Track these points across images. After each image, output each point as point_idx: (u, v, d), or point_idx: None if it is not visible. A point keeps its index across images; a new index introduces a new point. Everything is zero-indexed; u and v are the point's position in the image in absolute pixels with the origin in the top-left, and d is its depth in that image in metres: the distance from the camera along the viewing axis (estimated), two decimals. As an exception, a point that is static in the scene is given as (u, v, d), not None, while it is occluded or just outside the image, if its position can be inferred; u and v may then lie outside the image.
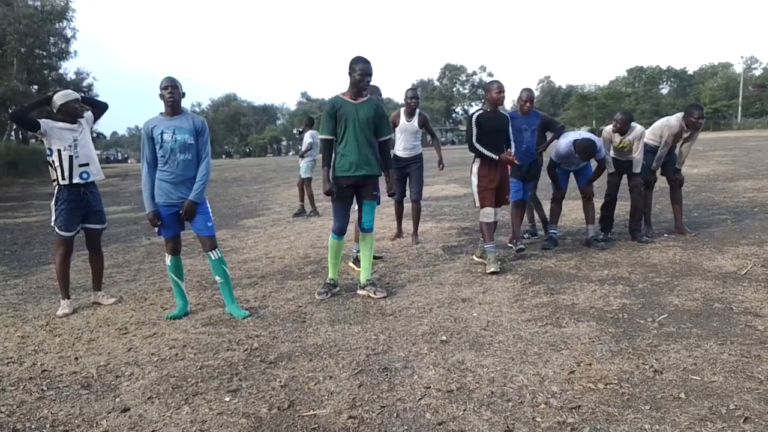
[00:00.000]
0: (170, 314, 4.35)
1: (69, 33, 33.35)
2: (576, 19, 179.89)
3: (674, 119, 6.16)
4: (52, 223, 4.67)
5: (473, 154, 5.44)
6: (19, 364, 3.58)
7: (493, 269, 5.15)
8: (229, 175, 25.61)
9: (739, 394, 2.67)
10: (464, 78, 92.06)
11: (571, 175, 6.38)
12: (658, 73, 79.53)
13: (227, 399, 2.92)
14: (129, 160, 76.37)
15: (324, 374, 3.17)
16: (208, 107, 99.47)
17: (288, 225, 9.20)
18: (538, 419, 2.55)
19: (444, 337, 3.62)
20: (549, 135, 6.59)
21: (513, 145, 5.54)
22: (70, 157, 4.55)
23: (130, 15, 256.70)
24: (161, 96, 4.15)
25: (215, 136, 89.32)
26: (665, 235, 6.47)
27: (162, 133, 4.11)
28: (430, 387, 2.93)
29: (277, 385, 3.05)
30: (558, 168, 6.21)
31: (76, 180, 4.58)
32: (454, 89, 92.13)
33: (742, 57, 79.95)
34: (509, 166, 5.66)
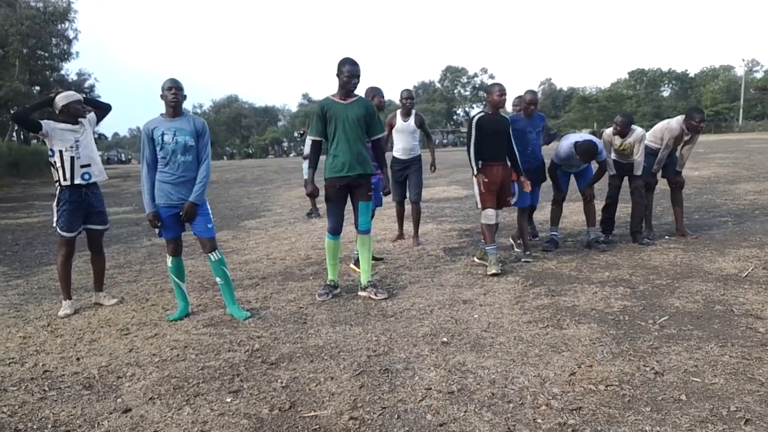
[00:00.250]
0: (171, 316, 4.36)
1: (71, 34, 33.44)
2: (577, 21, 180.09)
3: (675, 122, 6.17)
4: (54, 224, 4.68)
5: (473, 157, 5.45)
6: (21, 365, 3.58)
7: (494, 271, 5.15)
8: (230, 176, 25.63)
9: (740, 396, 2.67)
10: (465, 80, 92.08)
11: (572, 177, 6.38)
12: (660, 75, 79.47)
13: (228, 400, 2.93)
14: (132, 161, 76.42)
15: (325, 375, 3.17)
16: (210, 108, 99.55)
17: (289, 226, 9.21)
18: (539, 421, 2.56)
19: (445, 339, 3.63)
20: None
21: (515, 149, 5.53)
22: (72, 158, 4.56)
23: (131, 16, 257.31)
24: (163, 97, 4.16)
25: (216, 138, 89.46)
26: (666, 237, 6.47)
27: (163, 135, 4.11)
28: (431, 388, 2.93)
29: (279, 386, 3.05)
30: (559, 170, 6.21)
31: (77, 181, 4.59)
32: (456, 91, 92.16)
33: (743, 60, 79.91)
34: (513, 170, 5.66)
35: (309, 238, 7.75)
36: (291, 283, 5.35)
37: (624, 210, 7.22)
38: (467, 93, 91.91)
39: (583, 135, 6.22)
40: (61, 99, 4.60)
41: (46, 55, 33.71)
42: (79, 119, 4.67)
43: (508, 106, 7.05)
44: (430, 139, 7.31)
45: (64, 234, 4.63)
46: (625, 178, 6.30)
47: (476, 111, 5.69)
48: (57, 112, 4.63)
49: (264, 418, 2.73)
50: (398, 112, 6.80)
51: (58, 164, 4.55)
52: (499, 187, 5.41)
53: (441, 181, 15.30)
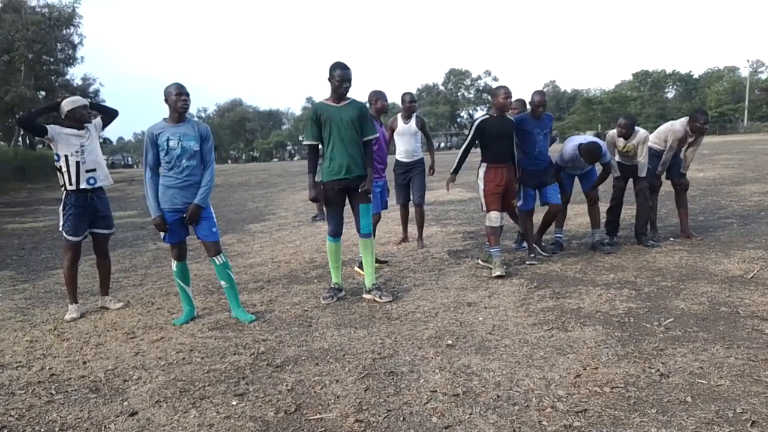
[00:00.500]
0: (177, 321, 4.37)
1: (76, 39, 33.56)
2: (581, 23, 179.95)
3: (679, 124, 6.17)
4: (60, 228, 4.71)
5: (479, 159, 5.47)
6: (28, 368, 3.60)
7: (498, 273, 5.15)
8: (235, 179, 25.68)
9: (746, 398, 2.67)
10: (469, 82, 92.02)
11: (576, 179, 6.38)
12: (664, 77, 79.28)
13: (234, 403, 2.94)
14: (135, 165, 76.81)
15: (330, 378, 3.18)
16: (214, 113, 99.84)
17: (294, 229, 9.23)
18: (545, 423, 2.56)
19: (450, 341, 3.63)
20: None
21: (523, 150, 5.53)
22: (77, 163, 4.59)
23: (136, 21, 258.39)
24: (172, 102, 4.13)
25: (221, 142, 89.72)
26: (671, 239, 6.46)
27: (168, 140, 4.13)
28: (436, 391, 2.93)
29: (284, 389, 3.06)
30: (563, 172, 6.21)
31: (83, 185, 4.62)
32: (459, 94, 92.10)
33: (748, 61, 79.67)
34: (519, 173, 5.65)
35: (314, 242, 7.77)
36: (296, 286, 5.37)
37: (629, 212, 7.20)
38: (471, 95, 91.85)
39: (587, 137, 6.21)
40: (67, 104, 4.63)
41: (52, 60, 33.86)
42: (85, 124, 4.70)
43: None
44: (430, 141, 7.32)
45: (70, 238, 4.66)
46: (630, 180, 6.30)
47: (480, 114, 5.69)
48: (63, 116, 4.66)
49: (269, 420, 2.74)
50: (399, 115, 6.81)
51: (64, 169, 4.58)
52: (503, 190, 5.41)
53: (444, 184, 15.28)
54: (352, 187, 4.67)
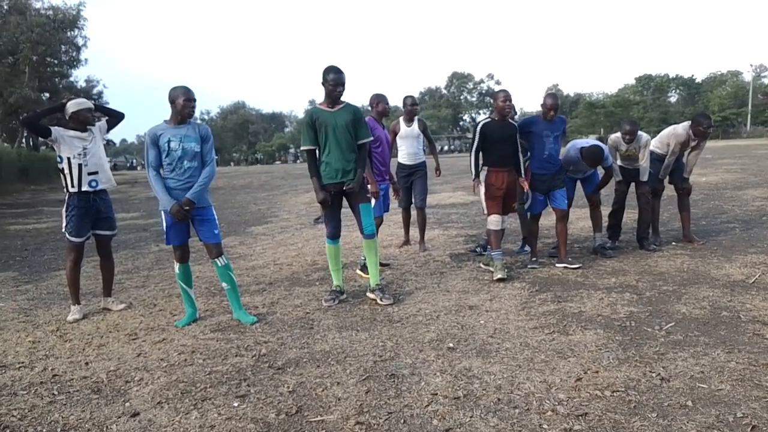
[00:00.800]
0: (179, 323, 4.39)
1: (80, 41, 33.67)
2: (584, 27, 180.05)
3: (681, 128, 6.17)
4: (63, 229, 4.73)
5: (481, 163, 5.47)
6: (31, 369, 3.62)
7: (500, 276, 5.16)
8: (238, 182, 25.72)
9: (746, 403, 2.67)
10: (471, 86, 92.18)
11: (578, 183, 6.38)
12: (667, 81, 79.29)
13: (236, 404, 2.95)
14: (139, 167, 77.08)
15: (331, 380, 3.18)
16: (217, 115, 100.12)
17: (296, 232, 9.25)
18: (545, 426, 2.56)
19: (451, 344, 3.64)
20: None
21: (521, 156, 5.53)
22: (80, 165, 4.61)
23: (140, 23, 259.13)
24: (179, 106, 4.14)
25: (224, 144, 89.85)
26: (673, 243, 6.46)
27: (169, 141, 4.14)
28: (437, 393, 2.94)
29: (285, 391, 3.07)
30: (565, 175, 6.20)
31: (84, 188, 4.64)
32: (462, 97, 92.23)
33: (751, 65, 79.81)
34: (528, 177, 5.64)
35: (316, 244, 7.78)
36: (298, 288, 5.38)
37: (631, 216, 7.21)
38: (473, 99, 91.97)
39: (589, 140, 6.22)
40: (72, 106, 4.66)
41: (56, 62, 33.98)
42: (89, 127, 4.72)
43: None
44: (433, 144, 7.35)
45: (73, 239, 4.68)
46: (632, 184, 6.30)
47: (482, 117, 5.69)
48: (67, 118, 4.69)
49: (271, 422, 2.75)
50: (401, 118, 6.84)
51: (66, 171, 4.60)
52: (504, 193, 5.41)
53: (447, 187, 15.31)
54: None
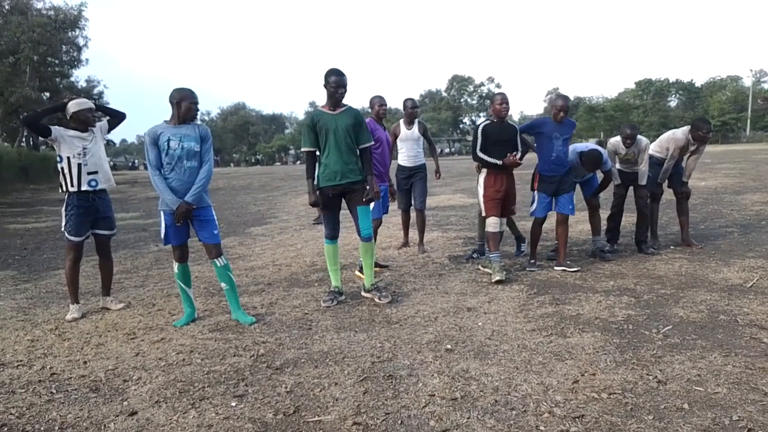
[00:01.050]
0: (177, 322, 4.39)
1: (81, 41, 33.69)
2: (585, 31, 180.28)
3: (680, 132, 6.19)
4: (63, 228, 4.74)
5: (480, 165, 5.48)
6: (29, 367, 3.62)
7: (498, 278, 5.17)
8: (237, 183, 25.73)
9: (742, 406, 2.68)
10: (472, 89, 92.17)
11: (577, 186, 6.39)
12: (667, 85, 79.34)
13: (234, 404, 2.95)
14: (141, 167, 77.11)
15: (329, 381, 3.19)
16: (217, 116, 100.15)
17: (295, 233, 9.25)
18: (542, 428, 2.57)
19: (449, 346, 3.64)
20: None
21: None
22: (79, 165, 4.62)
23: (141, 23, 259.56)
24: (185, 107, 4.17)
25: (224, 145, 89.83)
26: (671, 247, 6.47)
27: (168, 141, 4.15)
28: (434, 395, 2.95)
29: (283, 391, 3.08)
30: (572, 179, 6.19)
31: (84, 187, 4.65)
32: (462, 100, 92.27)
33: (751, 70, 79.52)
34: (536, 181, 5.65)
35: (315, 245, 7.79)
36: (296, 289, 5.38)
37: (629, 219, 7.22)
38: (474, 102, 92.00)
39: (588, 144, 6.23)
40: (73, 106, 4.67)
41: (56, 62, 34.01)
42: (89, 127, 4.73)
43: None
44: (433, 147, 7.37)
45: (72, 238, 4.69)
46: (630, 188, 6.31)
47: (482, 119, 5.70)
48: (68, 118, 4.70)
49: (268, 422, 2.75)
50: (401, 121, 6.86)
51: (66, 170, 4.61)
52: (503, 196, 5.43)
53: (446, 189, 15.33)
54: (347, 191, 4.70)
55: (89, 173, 4.68)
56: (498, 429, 2.58)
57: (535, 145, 5.78)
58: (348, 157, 4.63)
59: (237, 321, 4.37)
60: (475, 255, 6.42)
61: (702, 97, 75.29)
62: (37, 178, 27.37)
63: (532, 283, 5.18)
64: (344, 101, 4.69)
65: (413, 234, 7.19)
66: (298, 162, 79.12)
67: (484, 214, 5.50)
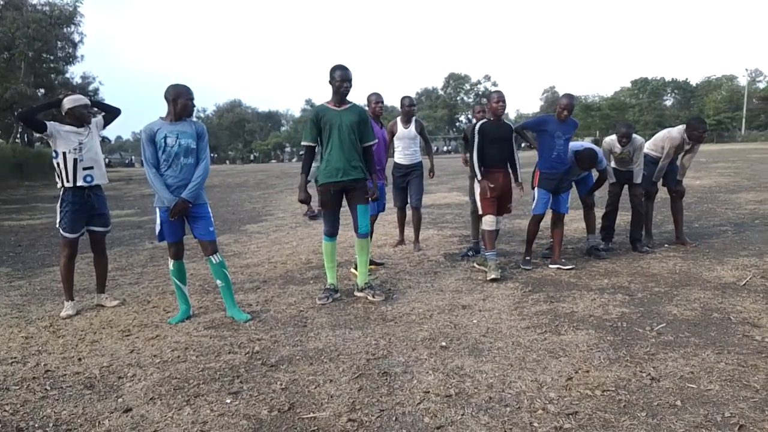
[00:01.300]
0: (172, 319, 4.39)
1: (76, 37, 33.57)
2: (581, 30, 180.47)
3: (675, 131, 6.21)
4: (57, 225, 4.72)
5: (476, 163, 5.49)
6: (23, 364, 3.62)
7: (493, 276, 5.18)
8: (233, 180, 25.68)
9: (734, 403, 2.70)
10: (468, 87, 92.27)
11: (572, 185, 6.40)
12: (662, 84, 79.54)
13: (228, 401, 2.96)
14: (136, 165, 76.85)
15: (324, 378, 3.20)
16: (213, 113, 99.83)
17: (290, 230, 9.25)
18: (536, 424, 2.58)
19: (444, 343, 3.65)
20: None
21: (538, 153, 5.54)
22: (75, 160, 4.61)
23: (135, 19, 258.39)
24: (181, 104, 4.17)
25: (219, 142, 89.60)
26: (666, 245, 6.50)
27: (165, 138, 4.15)
28: (429, 392, 2.96)
29: (278, 388, 3.08)
30: (571, 178, 6.20)
31: (79, 183, 4.64)
32: (458, 98, 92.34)
33: (746, 69, 79.79)
34: (537, 176, 5.65)
35: (310, 243, 7.79)
36: (291, 286, 5.39)
37: (624, 218, 7.25)
38: (470, 100, 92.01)
39: (583, 143, 6.25)
40: (69, 102, 4.66)
41: (52, 58, 33.87)
42: (85, 123, 4.71)
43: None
44: (429, 145, 7.37)
45: (67, 235, 4.67)
46: (625, 187, 6.34)
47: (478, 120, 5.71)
48: (63, 114, 4.68)
49: (263, 419, 2.76)
50: (398, 119, 6.87)
51: (62, 166, 4.59)
52: (499, 194, 5.44)
53: (442, 188, 15.35)
54: (349, 189, 4.70)
55: (85, 168, 4.66)
56: (492, 426, 2.59)
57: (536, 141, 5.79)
58: (351, 154, 4.63)
59: (232, 318, 4.37)
60: (470, 253, 6.44)
61: (697, 96, 75.57)
62: (31, 174, 27.25)
63: (527, 281, 5.20)
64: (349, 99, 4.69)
65: (409, 232, 7.20)
66: (294, 159, 79.03)
67: (480, 212, 5.51)
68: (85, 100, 4.79)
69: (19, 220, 12.34)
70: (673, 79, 79.20)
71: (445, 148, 75.42)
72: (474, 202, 5.90)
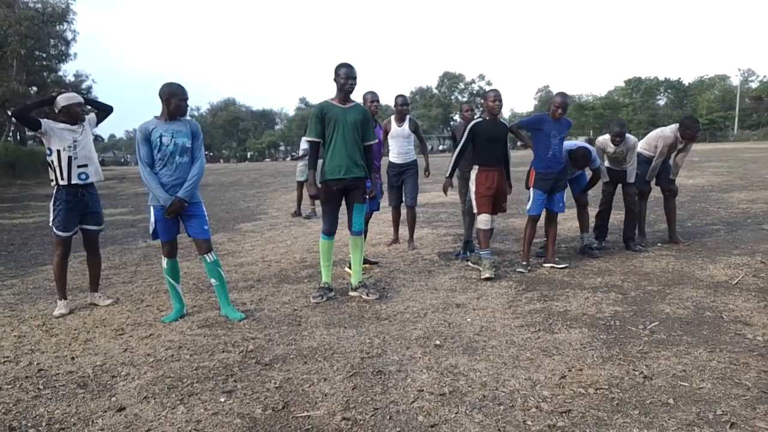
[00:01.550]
0: (166, 318, 4.38)
1: (69, 35, 33.46)
2: (575, 29, 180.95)
3: (669, 130, 6.24)
4: (51, 223, 4.70)
5: (473, 162, 5.50)
6: (16, 363, 3.60)
7: (487, 275, 5.19)
8: (227, 179, 25.61)
9: (726, 401, 2.72)
10: (463, 86, 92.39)
11: (567, 184, 6.41)
12: (656, 84, 79.89)
13: (222, 399, 2.95)
14: (130, 164, 76.52)
15: (318, 376, 3.20)
16: (207, 111, 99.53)
17: (285, 229, 9.24)
18: (529, 423, 2.59)
19: (438, 342, 3.66)
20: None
21: (535, 152, 5.57)
22: (69, 158, 4.59)
23: (129, 17, 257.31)
24: (175, 103, 4.15)
25: (213, 141, 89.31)
26: (659, 244, 6.53)
27: (161, 136, 4.14)
28: (423, 390, 2.96)
29: (272, 387, 3.08)
30: (567, 177, 6.20)
31: (74, 180, 4.62)
32: (453, 97, 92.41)
33: (739, 69, 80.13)
34: (533, 176, 5.65)
35: (304, 242, 7.78)
36: (286, 285, 5.38)
37: (617, 217, 7.28)
38: (464, 99, 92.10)
39: (577, 142, 6.27)
40: (63, 99, 4.63)
41: (44, 56, 33.73)
42: (79, 121, 4.69)
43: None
44: (424, 144, 7.38)
45: (60, 233, 4.65)
46: (619, 186, 6.36)
47: (476, 118, 5.71)
48: (57, 111, 4.66)
49: (257, 417, 2.76)
50: (392, 117, 6.87)
51: (56, 163, 4.57)
52: (494, 193, 5.44)
53: (436, 187, 15.33)
54: (350, 187, 4.71)
55: (79, 166, 4.64)
56: (486, 424, 2.59)
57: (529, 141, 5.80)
58: (353, 152, 4.64)
59: (226, 317, 4.36)
60: (464, 254, 6.43)
61: (690, 96, 75.92)
62: (24, 173, 27.08)
63: (521, 280, 5.21)
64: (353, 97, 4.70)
65: (403, 231, 7.20)
66: (288, 158, 78.87)
67: (475, 211, 5.52)
68: (79, 98, 4.77)
69: (11, 219, 12.26)
70: (666, 78, 79.62)
71: (440, 147, 75.48)
72: (465, 202, 5.90)
